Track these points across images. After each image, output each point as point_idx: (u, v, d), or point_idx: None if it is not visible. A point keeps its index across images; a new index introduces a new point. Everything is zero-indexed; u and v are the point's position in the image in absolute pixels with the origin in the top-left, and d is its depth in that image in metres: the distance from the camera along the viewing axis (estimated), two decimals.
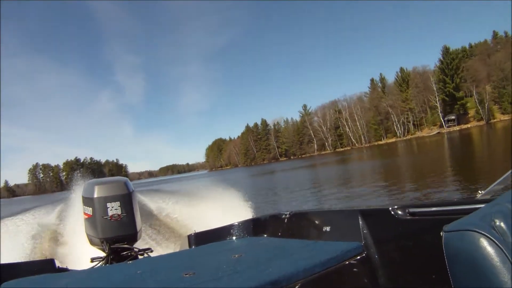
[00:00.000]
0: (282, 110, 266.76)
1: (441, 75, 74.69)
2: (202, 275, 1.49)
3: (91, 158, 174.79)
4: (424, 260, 1.62)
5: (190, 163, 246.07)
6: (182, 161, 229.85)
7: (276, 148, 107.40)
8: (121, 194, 2.50)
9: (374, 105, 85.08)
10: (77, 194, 8.47)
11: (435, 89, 75.24)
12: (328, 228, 2.16)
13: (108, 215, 2.44)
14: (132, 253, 2.53)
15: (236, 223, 2.88)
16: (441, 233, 1.15)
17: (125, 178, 2.68)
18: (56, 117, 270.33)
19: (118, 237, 2.48)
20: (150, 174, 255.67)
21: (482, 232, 1.02)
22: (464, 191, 10.49)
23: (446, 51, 74.72)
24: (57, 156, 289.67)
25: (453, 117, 74.53)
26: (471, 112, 72.99)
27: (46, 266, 2.25)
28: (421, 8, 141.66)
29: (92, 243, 2.62)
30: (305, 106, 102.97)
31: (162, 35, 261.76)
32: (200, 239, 2.82)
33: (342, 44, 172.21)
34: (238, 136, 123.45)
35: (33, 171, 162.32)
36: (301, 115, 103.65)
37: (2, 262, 2.23)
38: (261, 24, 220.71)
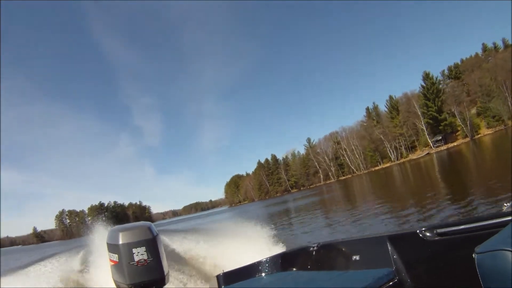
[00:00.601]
0: (292, 143, 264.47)
1: (423, 100, 79.57)
2: None
3: (114, 202, 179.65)
4: (457, 281, 1.62)
5: (213, 199, 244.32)
6: (205, 198, 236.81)
7: (287, 180, 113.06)
8: (145, 239, 2.41)
9: (369, 134, 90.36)
10: (97, 239, 9.03)
11: (419, 113, 79.98)
12: (357, 257, 2.18)
13: (134, 261, 2.34)
14: None
15: (264, 259, 2.88)
16: (474, 255, 1.12)
17: (148, 223, 2.58)
18: (76, 163, 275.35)
19: (146, 282, 2.36)
20: (174, 213, 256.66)
21: None
22: (453, 204, 11.40)
23: (426, 76, 79.95)
24: (80, 201, 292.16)
25: (439, 138, 78.73)
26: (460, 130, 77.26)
27: None
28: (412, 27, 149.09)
29: None
30: (309, 139, 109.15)
31: (175, 74, 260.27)
32: (229, 278, 2.84)
33: (340, 76, 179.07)
34: (253, 172, 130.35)
35: (60, 217, 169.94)
36: (305, 148, 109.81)
37: None
38: (270, 57, 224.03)
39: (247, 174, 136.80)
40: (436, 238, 1.75)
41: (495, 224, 1.40)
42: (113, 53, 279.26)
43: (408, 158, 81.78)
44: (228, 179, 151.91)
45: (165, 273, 2.44)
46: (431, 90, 78.55)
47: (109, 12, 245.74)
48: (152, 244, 2.39)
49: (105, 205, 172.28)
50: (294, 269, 2.65)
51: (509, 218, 1.32)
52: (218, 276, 2.89)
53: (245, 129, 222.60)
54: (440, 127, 78.00)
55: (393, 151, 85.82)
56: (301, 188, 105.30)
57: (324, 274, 2.05)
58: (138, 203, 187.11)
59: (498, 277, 1.04)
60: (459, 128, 77.31)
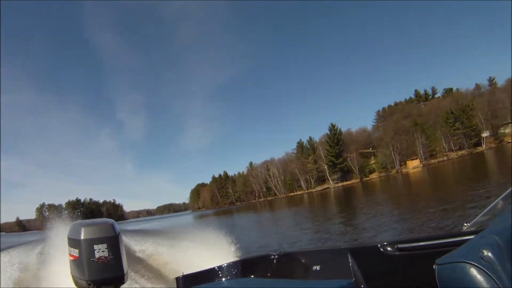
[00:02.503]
0: (272, 151, 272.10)
1: (327, 146, 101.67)
2: None
3: (90, 199, 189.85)
4: None
5: (187, 202, 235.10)
6: (179, 200, 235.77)
7: (233, 195, 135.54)
8: (108, 236, 2.49)
9: (291, 165, 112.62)
10: (57, 234, 8.99)
11: (322, 155, 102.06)
12: (317, 267, 2.19)
13: (95, 257, 2.41)
14: None
15: (225, 264, 2.87)
16: (434, 266, 1.20)
17: (112, 220, 2.66)
18: (59, 153, 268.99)
19: (105, 279, 2.44)
20: (149, 212, 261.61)
21: (472, 263, 1.09)
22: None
23: (332, 127, 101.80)
24: (60, 193, 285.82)
25: (336, 177, 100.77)
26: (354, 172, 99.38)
27: None
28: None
29: (77, 284, 2.55)
30: (251, 163, 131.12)
31: (163, 72, 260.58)
32: (189, 281, 2.84)
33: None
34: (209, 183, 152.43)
35: (40, 209, 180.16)
36: (247, 169, 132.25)
37: None
38: (260, 65, 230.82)
39: (207, 184, 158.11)
40: (397, 253, 1.83)
41: (455, 242, 1.53)
42: (103, 46, 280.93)
43: (315, 189, 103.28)
44: (206, 180, 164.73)
45: (125, 272, 2.56)
46: (333, 138, 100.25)
47: (102, 5, 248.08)
48: (113, 242, 2.51)
49: (82, 201, 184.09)
50: (254, 276, 2.64)
51: (468, 237, 1.46)
52: (177, 278, 2.92)
53: (229, 133, 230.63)
54: (336, 168, 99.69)
55: (304, 182, 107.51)
56: (242, 202, 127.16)
57: (284, 282, 2.10)
58: (112, 201, 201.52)
59: (456, 287, 1.11)
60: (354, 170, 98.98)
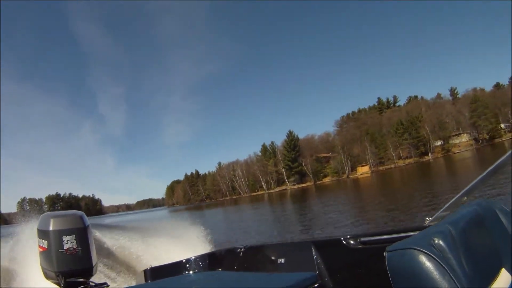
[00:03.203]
0: (240, 150, 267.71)
1: (285, 150, 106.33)
2: None
3: (70, 194, 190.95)
4: (374, 284, 1.74)
5: (165, 197, 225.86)
6: (159, 195, 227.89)
7: (203, 192, 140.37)
8: (76, 227, 2.49)
9: (254, 167, 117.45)
10: (28, 227, 8.95)
11: (281, 159, 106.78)
12: (282, 260, 2.25)
13: (63, 249, 2.41)
14: (88, 287, 2.49)
15: (192, 258, 2.91)
16: (384, 253, 1.21)
17: (81, 212, 2.66)
18: (40, 146, 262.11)
19: (73, 271, 2.44)
20: (128, 207, 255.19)
21: (422, 250, 1.11)
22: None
23: (290, 134, 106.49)
24: (40, 186, 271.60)
25: (293, 179, 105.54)
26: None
27: None
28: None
29: (47, 276, 2.56)
30: (219, 163, 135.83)
31: (145, 66, 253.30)
32: (156, 274, 2.85)
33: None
34: (182, 180, 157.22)
35: (21, 203, 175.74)
36: (216, 169, 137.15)
37: None
38: (247, 61, 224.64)
39: (180, 181, 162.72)
40: (360, 246, 1.89)
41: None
42: (85, 38, 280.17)
43: (274, 190, 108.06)
44: (181, 177, 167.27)
45: (93, 264, 2.56)
46: (290, 144, 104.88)
47: None
48: (82, 233, 2.50)
49: (61, 196, 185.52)
50: (221, 269, 2.68)
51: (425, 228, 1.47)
52: (145, 271, 2.93)
53: (205, 130, 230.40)
54: (293, 172, 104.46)
55: (265, 183, 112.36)
56: (211, 200, 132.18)
57: (250, 275, 2.08)
58: (91, 195, 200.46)
59: (405, 273, 1.13)
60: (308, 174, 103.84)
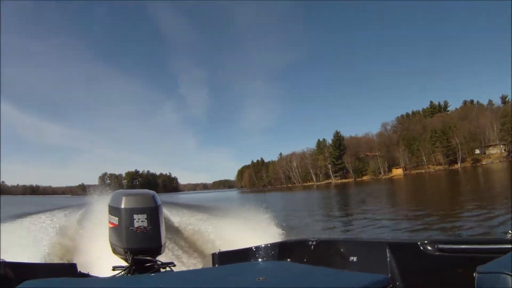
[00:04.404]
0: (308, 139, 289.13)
1: (331, 148, 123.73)
2: None
3: (148, 171, 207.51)
4: None
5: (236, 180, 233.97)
6: (233, 177, 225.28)
7: (266, 178, 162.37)
8: (148, 207, 2.59)
9: (308, 160, 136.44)
10: (99, 201, 9.73)
11: (328, 156, 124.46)
12: (354, 259, 2.17)
13: (134, 226, 2.51)
14: (155, 266, 2.57)
15: (262, 245, 2.91)
16: (474, 274, 1.14)
17: (153, 192, 2.78)
18: (120, 124, 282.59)
19: (142, 248, 2.53)
20: (205, 186, 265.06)
21: None
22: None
23: (336, 134, 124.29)
24: (120, 162, 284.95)
25: (336, 175, 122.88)
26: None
27: (68, 270, 2.50)
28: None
29: (115, 251, 2.69)
30: (281, 154, 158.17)
31: (227, 50, 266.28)
32: (225, 258, 2.93)
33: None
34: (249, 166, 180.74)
35: (103, 177, 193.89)
36: (278, 158, 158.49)
37: (25, 261, 2.53)
38: (325, 49, 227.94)
39: (248, 166, 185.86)
40: (437, 253, 1.77)
41: (498, 249, 1.48)
42: (166, 22, 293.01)
43: (322, 182, 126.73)
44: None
45: (162, 243, 2.65)
46: (335, 143, 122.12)
47: None
48: (153, 212, 2.59)
49: (140, 172, 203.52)
50: (290, 259, 2.64)
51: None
52: (213, 255, 3.00)
53: (295, 113, 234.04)
54: (336, 167, 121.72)
55: (314, 176, 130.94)
56: (272, 186, 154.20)
57: (319, 269, 1.97)
58: (168, 174, 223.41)
59: None
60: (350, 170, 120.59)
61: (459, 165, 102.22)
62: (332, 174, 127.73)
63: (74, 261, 4.94)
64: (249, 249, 2.98)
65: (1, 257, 2.09)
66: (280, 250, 2.85)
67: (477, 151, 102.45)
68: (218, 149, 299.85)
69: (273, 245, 2.95)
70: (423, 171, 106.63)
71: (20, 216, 11.03)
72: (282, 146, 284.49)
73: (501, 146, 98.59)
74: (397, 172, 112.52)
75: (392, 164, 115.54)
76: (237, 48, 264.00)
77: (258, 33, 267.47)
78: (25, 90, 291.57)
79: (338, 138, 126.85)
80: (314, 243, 2.58)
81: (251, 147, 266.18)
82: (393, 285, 1.76)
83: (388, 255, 1.92)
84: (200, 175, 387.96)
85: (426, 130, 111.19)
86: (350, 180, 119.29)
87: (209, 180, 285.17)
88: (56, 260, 6.04)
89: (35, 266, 2.34)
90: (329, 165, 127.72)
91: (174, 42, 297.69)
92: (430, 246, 1.79)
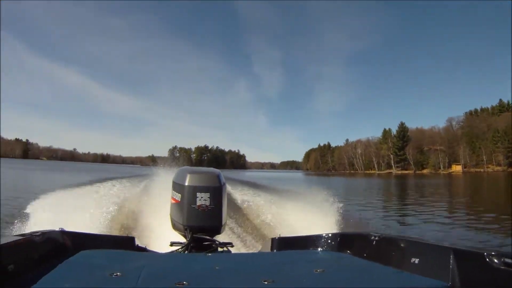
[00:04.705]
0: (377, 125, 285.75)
1: (395, 139, 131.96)
2: (281, 285, 1.40)
3: (217, 147, 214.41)
4: None
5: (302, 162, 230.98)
6: (300, 159, 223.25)
7: (330, 163, 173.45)
8: (212, 186, 2.61)
9: (371, 148, 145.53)
10: (164, 174, 9.81)
11: (391, 146, 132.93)
12: (416, 260, 2.02)
13: (196, 204, 2.54)
14: (213, 245, 2.59)
15: (323, 235, 2.76)
16: None
17: (218, 171, 2.79)
18: (193, 99, 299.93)
19: (202, 227, 2.57)
20: (272, 166, 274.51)
21: None
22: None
23: (401, 125, 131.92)
24: (190, 135, 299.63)
25: (398, 165, 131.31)
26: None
27: (126, 243, 2.46)
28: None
29: (175, 227, 2.75)
30: (347, 140, 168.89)
31: (303, 32, 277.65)
32: (284, 244, 2.85)
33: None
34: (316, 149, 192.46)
35: (173, 150, 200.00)
36: (344, 144, 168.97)
37: (86, 231, 2.49)
38: (404, 36, 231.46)
39: (315, 149, 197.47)
40: (502, 267, 1.55)
41: None
42: (245, 1, 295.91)
43: (382, 171, 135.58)
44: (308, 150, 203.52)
45: (222, 223, 2.66)
46: (400, 135, 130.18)
47: None
48: (217, 192, 2.60)
49: (209, 148, 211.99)
50: (350, 252, 2.50)
51: None
52: (273, 239, 2.91)
53: (361, 101, 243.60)
54: (398, 158, 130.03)
55: (376, 164, 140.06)
56: (335, 171, 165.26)
57: (379, 267, 1.89)
58: (237, 151, 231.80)
59: None
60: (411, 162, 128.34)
61: None
62: (394, 165, 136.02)
63: (133, 232, 5.43)
64: (309, 237, 2.79)
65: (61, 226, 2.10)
66: (340, 241, 2.67)
67: None
68: (288, 130, 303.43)
69: (334, 236, 2.74)
70: (481, 170, 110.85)
71: (84, 184, 11.60)
72: (350, 132, 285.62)
73: None
74: (457, 168, 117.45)
75: (453, 160, 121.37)
76: (313, 31, 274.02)
77: (335, 16, 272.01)
78: (102, 63, 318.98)
79: (402, 129, 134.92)
80: (376, 238, 2.37)
81: (320, 131, 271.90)
82: None
83: (451, 261, 1.76)
84: (268, 154, 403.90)
85: (490, 129, 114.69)
86: (410, 171, 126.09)
87: (276, 160, 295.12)
88: (115, 230, 6.15)
89: (93, 237, 2.44)
90: (391, 155, 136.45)
91: (251, 21, 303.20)
92: (496, 258, 1.58)
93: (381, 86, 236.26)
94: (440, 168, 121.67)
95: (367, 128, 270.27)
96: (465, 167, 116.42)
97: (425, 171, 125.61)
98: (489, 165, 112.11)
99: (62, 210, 6.15)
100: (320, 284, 1.45)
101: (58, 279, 1.23)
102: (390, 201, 23.93)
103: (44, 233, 1.75)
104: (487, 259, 1.66)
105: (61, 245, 1.83)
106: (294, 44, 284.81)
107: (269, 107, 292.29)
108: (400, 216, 15.76)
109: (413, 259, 2.01)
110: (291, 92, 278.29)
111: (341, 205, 8.46)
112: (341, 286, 1.46)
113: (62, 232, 1.96)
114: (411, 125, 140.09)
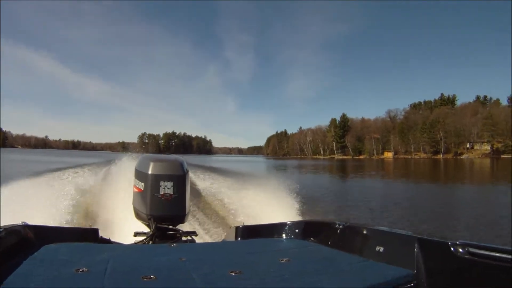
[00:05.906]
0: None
1: (337, 128, 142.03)
2: (248, 276, 1.42)
3: (184, 133, 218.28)
4: None
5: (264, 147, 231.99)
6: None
7: (286, 148, 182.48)
8: (176, 174, 2.56)
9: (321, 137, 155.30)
10: (128, 161, 9.54)
11: (333, 134, 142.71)
12: (381, 249, 2.05)
13: (159, 194, 2.50)
14: (177, 235, 2.61)
15: (288, 223, 2.79)
16: None
17: (181, 159, 2.75)
18: (164, 85, 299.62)
19: (165, 216, 2.54)
20: (240, 151, 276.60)
21: None
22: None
23: (343, 116, 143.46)
24: (159, 121, 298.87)
25: (340, 151, 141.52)
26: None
27: (90, 235, 2.41)
28: None
29: (138, 217, 2.71)
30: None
31: (276, 17, 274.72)
32: (248, 232, 2.83)
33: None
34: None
35: (142, 137, 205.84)
36: (297, 131, 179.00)
37: (47, 224, 2.41)
38: (381, 24, 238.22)
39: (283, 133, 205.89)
40: (467, 256, 1.61)
41: None
42: None
43: (325, 156, 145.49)
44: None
45: (186, 212, 2.64)
46: (341, 124, 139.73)
47: None
48: (181, 180, 2.56)
49: (176, 134, 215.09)
50: (314, 240, 2.51)
51: None
52: (237, 228, 2.90)
53: (336, 87, 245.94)
54: (338, 145, 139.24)
55: (322, 151, 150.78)
56: (288, 156, 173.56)
57: (344, 255, 1.97)
58: (203, 136, 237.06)
59: None
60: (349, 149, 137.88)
61: (441, 156, 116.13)
62: (336, 151, 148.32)
63: (96, 223, 5.29)
64: (274, 225, 2.80)
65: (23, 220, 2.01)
66: (304, 229, 2.68)
67: (468, 146, 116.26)
68: (258, 115, 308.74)
69: (298, 223, 2.77)
70: (410, 157, 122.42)
71: (44, 172, 11.21)
72: (320, 118, 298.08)
73: (487, 144, 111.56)
74: (388, 155, 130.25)
75: (387, 148, 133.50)
76: (287, 16, 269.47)
77: (309, 3, 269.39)
78: (73, 48, 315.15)
79: (344, 119, 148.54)
80: (341, 226, 2.41)
81: (290, 116, 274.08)
82: (417, 282, 1.66)
83: (416, 250, 1.80)
84: (237, 139, 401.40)
85: (425, 121, 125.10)
86: (349, 157, 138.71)
87: (245, 145, 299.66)
88: (79, 220, 5.93)
89: (57, 230, 2.34)
90: (333, 143, 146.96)
91: (225, 4, 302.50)
92: (461, 248, 1.66)
93: (353, 74, 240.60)
94: (374, 154, 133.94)
95: (334, 114, 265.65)
96: (396, 154, 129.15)
97: (361, 156, 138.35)
98: (418, 153, 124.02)
99: (22, 201, 5.69)
100: (286, 275, 1.49)
101: (23, 277, 1.22)
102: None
103: (6, 228, 1.72)
104: (452, 248, 1.75)
105: (25, 240, 1.82)
106: (268, 29, 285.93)
107: (239, 91, 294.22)
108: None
109: (378, 248, 2.07)
110: (262, 77, 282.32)
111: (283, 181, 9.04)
112: (307, 275, 1.51)
113: (25, 226, 1.95)
114: (365, 115, 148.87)
